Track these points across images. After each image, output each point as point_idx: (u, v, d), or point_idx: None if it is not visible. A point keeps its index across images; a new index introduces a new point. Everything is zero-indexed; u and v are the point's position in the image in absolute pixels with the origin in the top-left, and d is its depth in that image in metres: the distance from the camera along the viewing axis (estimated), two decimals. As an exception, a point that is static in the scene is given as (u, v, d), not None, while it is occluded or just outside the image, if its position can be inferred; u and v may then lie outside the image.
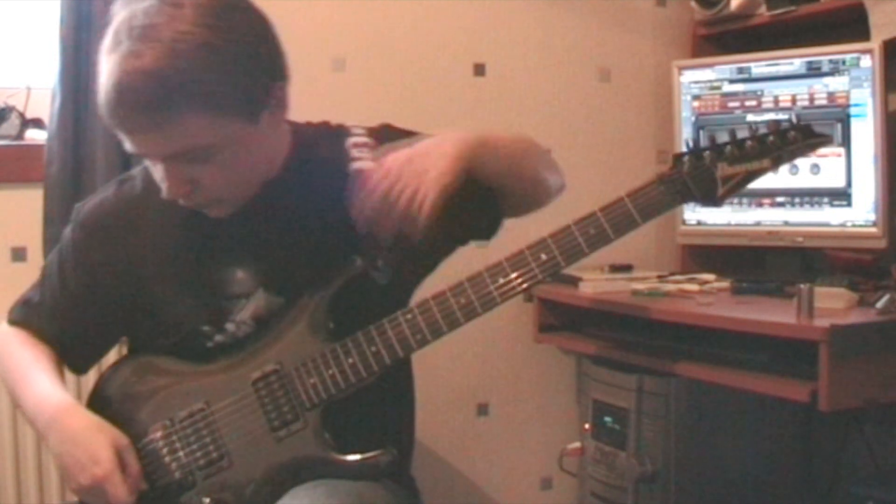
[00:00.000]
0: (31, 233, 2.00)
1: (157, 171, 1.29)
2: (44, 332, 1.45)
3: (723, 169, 1.29)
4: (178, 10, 1.19)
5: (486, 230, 1.48)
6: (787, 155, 1.30)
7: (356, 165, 1.39)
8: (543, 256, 1.31)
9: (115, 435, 1.32)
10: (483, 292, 1.31)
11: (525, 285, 1.31)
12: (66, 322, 1.45)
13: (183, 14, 1.18)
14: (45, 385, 1.38)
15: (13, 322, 1.48)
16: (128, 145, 1.25)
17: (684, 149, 1.34)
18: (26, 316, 1.47)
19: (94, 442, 1.30)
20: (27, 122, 2.10)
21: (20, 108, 2.10)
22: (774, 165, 1.30)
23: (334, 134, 1.45)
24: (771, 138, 1.30)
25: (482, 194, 1.41)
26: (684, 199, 1.32)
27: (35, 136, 2.08)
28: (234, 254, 1.39)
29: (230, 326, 1.38)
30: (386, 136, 1.43)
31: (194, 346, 1.39)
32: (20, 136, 2.08)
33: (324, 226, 1.39)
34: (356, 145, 1.43)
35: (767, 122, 1.31)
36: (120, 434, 1.33)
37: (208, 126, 1.22)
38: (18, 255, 2.03)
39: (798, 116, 1.32)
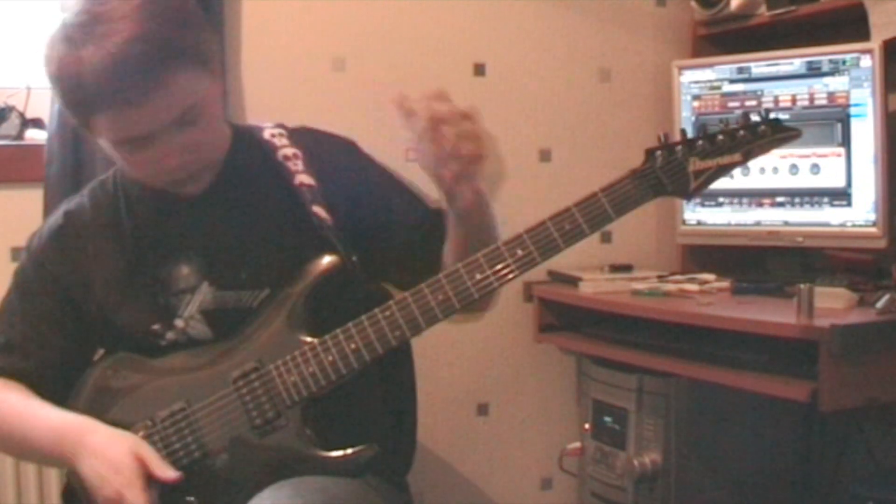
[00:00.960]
0: (30, 233, 2.00)
1: (148, 155, 1.30)
2: (20, 370, 1.42)
3: (695, 163, 1.31)
4: None
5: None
6: (757, 148, 1.32)
7: (281, 153, 1.46)
8: (519, 252, 1.30)
9: (133, 442, 1.31)
10: (460, 288, 1.30)
11: (500, 281, 1.31)
12: (40, 354, 1.43)
13: None
14: (52, 414, 1.37)
15: None
16: (122, 131, 1.27)
17: (657, 143, 1.35)
18: None
19: (115, 453, 1.29)
20: (27, 122, 2.10)
21: (20, 108, 2.10)
22: (745, 159, 1.32)
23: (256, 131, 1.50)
24: (742, 132, 1.32)
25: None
26: (657, 194, 1.33)
27: (35, 136, 2.08)
28: (177, 249, 1.40)
29: (179, 323, 1.39)
30: (304, 138, 1.49)
31: (148, 347, 1.40)
32: (20, 136, 2.08)
33: (265, 218, 1.42)
34: (273, 135, 1.48)
35: (737, 117, 1.33)
36: (139, 441, 1.32)
37: (194, 81, 1.27)
38: (18, 255, 2.02)
39: (767, 110, 1.33)
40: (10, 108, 2.08)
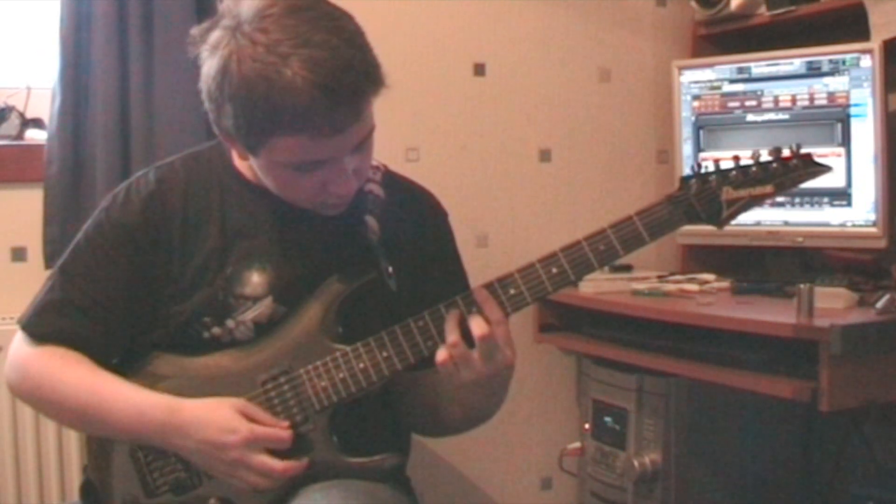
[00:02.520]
0: (31, 233, 2.00)
1: (315, 177, 1.29)
2: (79, 334, 1.38)
3: (727, 192, 1.34)
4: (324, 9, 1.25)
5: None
6: (789, 181, 1.35)
7: (368, 186, 1.45)
8: (554, 270, 1.33)
9: (233, 402, 1.31)
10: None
11: (534, 297, 1.34)
12: (103, 320, 1.39)
13: (326, 12, 1.25)
14: (131, 392, 1.34)
15: (44, 337, 1.39)
16: (305, 155, 1.25)
17: (689, 171, 1.38)
18: (57, 323, 1.39)
19: (221, 415, 1.29)
20: (27, 122, 2.10)
21: (20, 108, 2.10)
22: (777, 191, 1.35)
23: None
24: (774, 165, 1.35)
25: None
26: (690, 220, 1.36)
27: (35, 136, 2.08)
28: (255, 256, 1.40)
29: (230, 323, 1.39)
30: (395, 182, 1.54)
31: (190, 335, 1.39)
32: (20, 136, 2.08)
33: (343, 248, 1.42)
34: (370, 165, 1.48)
35: (770, 150, 1.36)
36: (239, 400, 1.32)
37: (373, 106, 1.29)
38: (18, 255, 2.03)
39: (799, 145, 1.36)
40: (10, 108, 2.08)
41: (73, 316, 1.39)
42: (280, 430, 1.31)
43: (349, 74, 1.21)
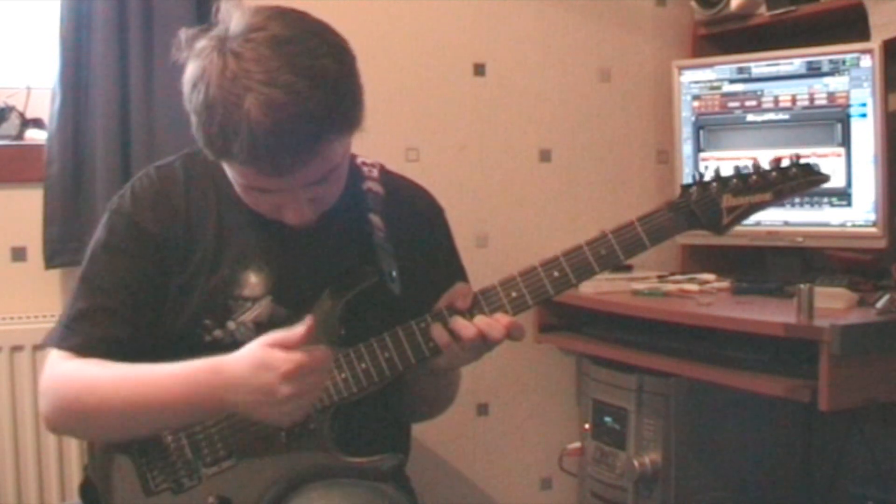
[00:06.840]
0: (31, 233, 2.00)
1: (270, 200, 1.30)
2: (111, 338, 1.36)
3: (727, 200, 1.36)
4: (296, 46, 1.21)
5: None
6: (788, 190, 1.37)
7: (366, 185, 1.47)
8: (556, 273, 1.35)
9: (255, 343, 1.27)
10: (495, 306, 1.34)
11: (536, 300, 1.36)
12: (133, 319, 1.37)
13: (309, 48, 1.22)
14: (163, 369, 1.31)
15: (78, 347, 1.36)
16: (254, 182, 1.26)
17: (690, 176, 1.41)
18: (89, 330, 1.36)
19: (249, 359, 1.25)
20: (27, 122, 2.10)
21: (20, 108, 2.10)
22: (776, 198, 1.37)
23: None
24: (773, 174, 1.36)
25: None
26: (691, 226, 1.38)
27: (35, 136, 2.08)
28: (251, 256, 1.40)
29: (231, 325, 1.39)
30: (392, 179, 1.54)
31: (192, 340, 1.39)
32: (20, 136, 2.08)
33: (344, 247, 1.43)
34: (365, 164, 1.49)
35: (770, 160, 1.38)
36: (260, 338, 1.27)
37: (340, 146, 1.27)
38: (18, 255, 2.03)
39: (799, 155, 1.39)
40: (10, 108, 2.08)
41: (103, 320, 1.37)
42: (314, 352, 1.25)
43: (302, 123, 1.18)
